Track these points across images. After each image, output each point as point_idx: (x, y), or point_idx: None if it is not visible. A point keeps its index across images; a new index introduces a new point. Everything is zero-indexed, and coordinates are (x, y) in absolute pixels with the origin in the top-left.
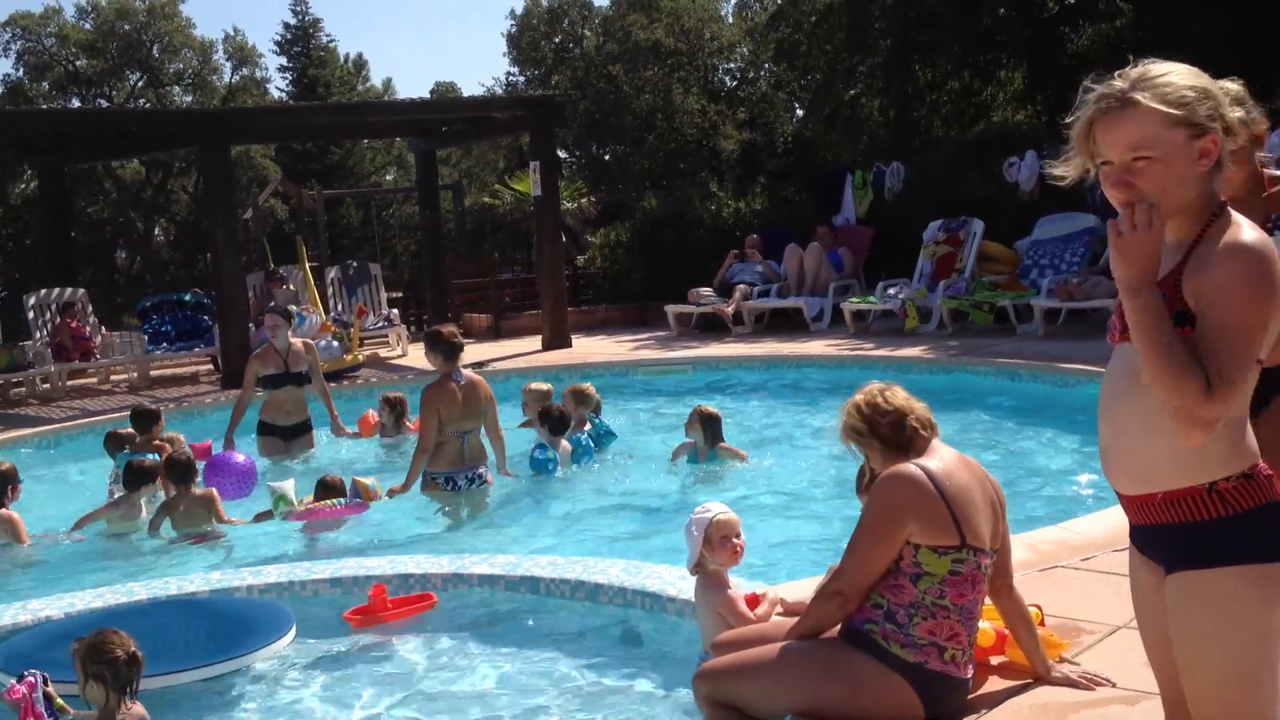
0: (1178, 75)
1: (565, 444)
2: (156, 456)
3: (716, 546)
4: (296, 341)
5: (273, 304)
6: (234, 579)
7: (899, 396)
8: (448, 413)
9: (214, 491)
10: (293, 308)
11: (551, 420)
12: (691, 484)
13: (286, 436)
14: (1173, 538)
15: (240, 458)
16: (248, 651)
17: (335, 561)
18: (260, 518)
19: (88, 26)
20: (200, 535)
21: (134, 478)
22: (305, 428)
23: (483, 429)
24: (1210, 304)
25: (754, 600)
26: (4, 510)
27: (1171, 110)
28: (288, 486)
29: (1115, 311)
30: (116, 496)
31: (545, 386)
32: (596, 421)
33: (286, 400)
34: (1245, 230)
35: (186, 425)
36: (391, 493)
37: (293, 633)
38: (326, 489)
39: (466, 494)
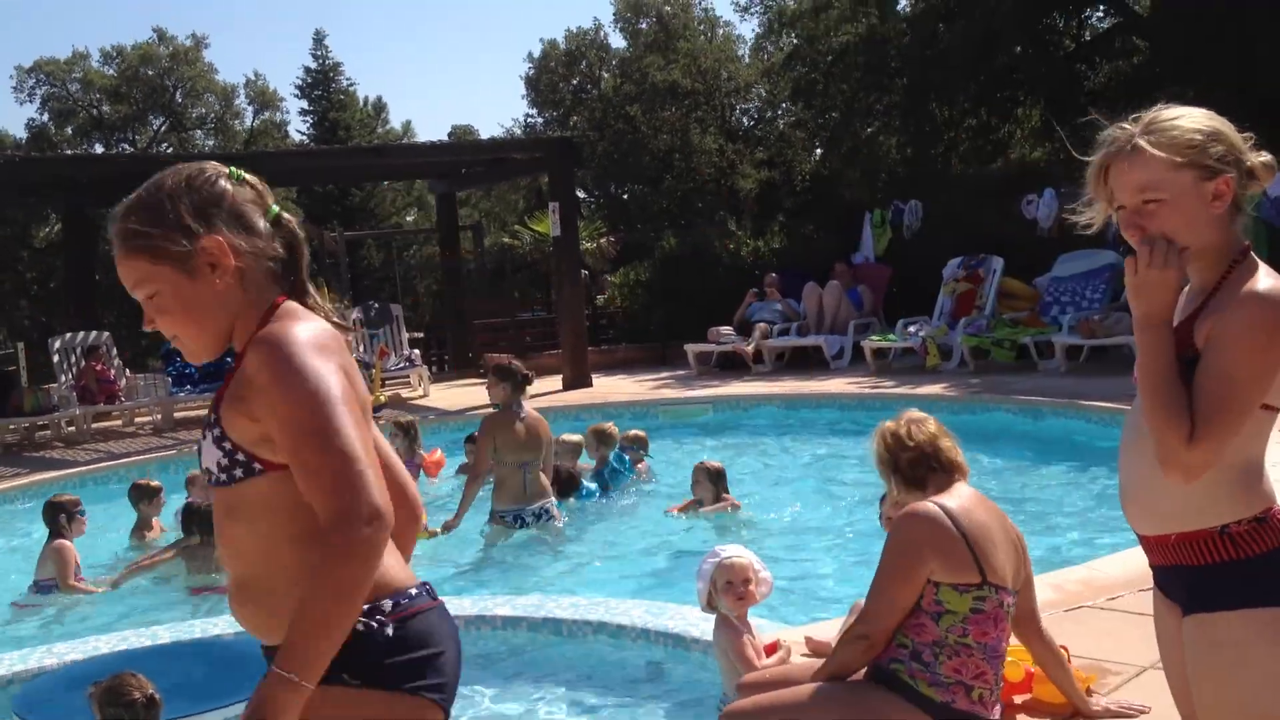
0: (1187, 119)
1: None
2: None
3: (721, 591)
4: None
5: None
6: None
7: (926, 431)
8: (504, 442)
9: None
10: None
11: (560, 482)
12: (711, 524)
13: None
14: (1187, 579)
15: None
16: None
17: None
18: None
19: (111, 72)
20: (211, 586)
21: (196, 521)
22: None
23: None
24: (1211, 348)
25: (771, 649)
26: (57, 541)
27: (1176, 154)
28: None
29: None
30: (177, 540)
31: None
32: (615, 454)
33: None
34: (1263, 278)
35: None
36: (446, 527)
37: None
38: None
39: (534, 529)
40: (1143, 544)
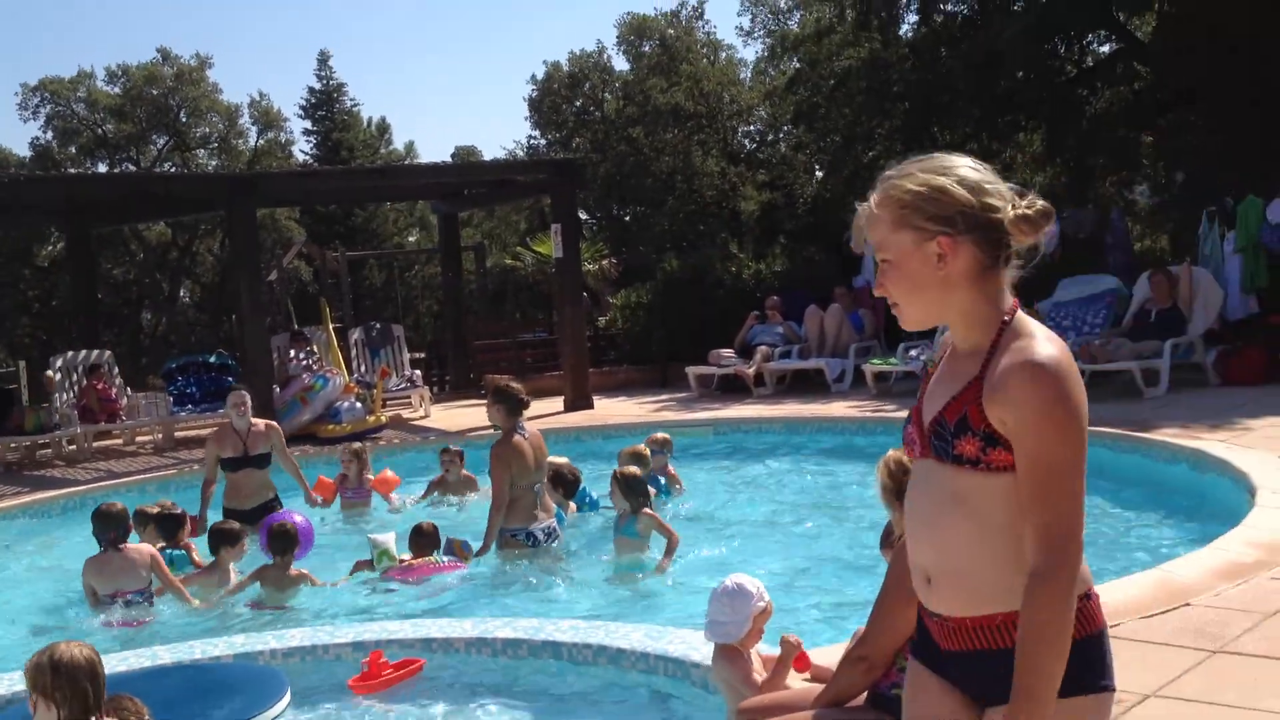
0: (910, 178)
1: (573, 505)
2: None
3: (750, 632)
4: (259, 422)
5: (236, 382)
6: (257, 643)
7: None
8: (519, 467)
9: (307, 572)
10: (305, 377)
11: (565, 484)
12: (711, 543)
13: (248, 522)
14: (996, 666)
15: (298, 518)
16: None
17: (358, 625)
18: (360, 566)
19: (116, 91)
20: (278, 606)
21: (220, 541)
22: (268, 509)
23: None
24: (1017, 437)
25: (769, 660)
26: (140, 544)
27: (889, 214)
28: (390, 541)
29: (912, 421)
30: (264, 565)
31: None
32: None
33: (246, 483)
34: (1036, 343)
35: None
36: (477, 554)
37: (286, 700)
38: (421, 536)
39: (544, 548)
40: (935, 629)
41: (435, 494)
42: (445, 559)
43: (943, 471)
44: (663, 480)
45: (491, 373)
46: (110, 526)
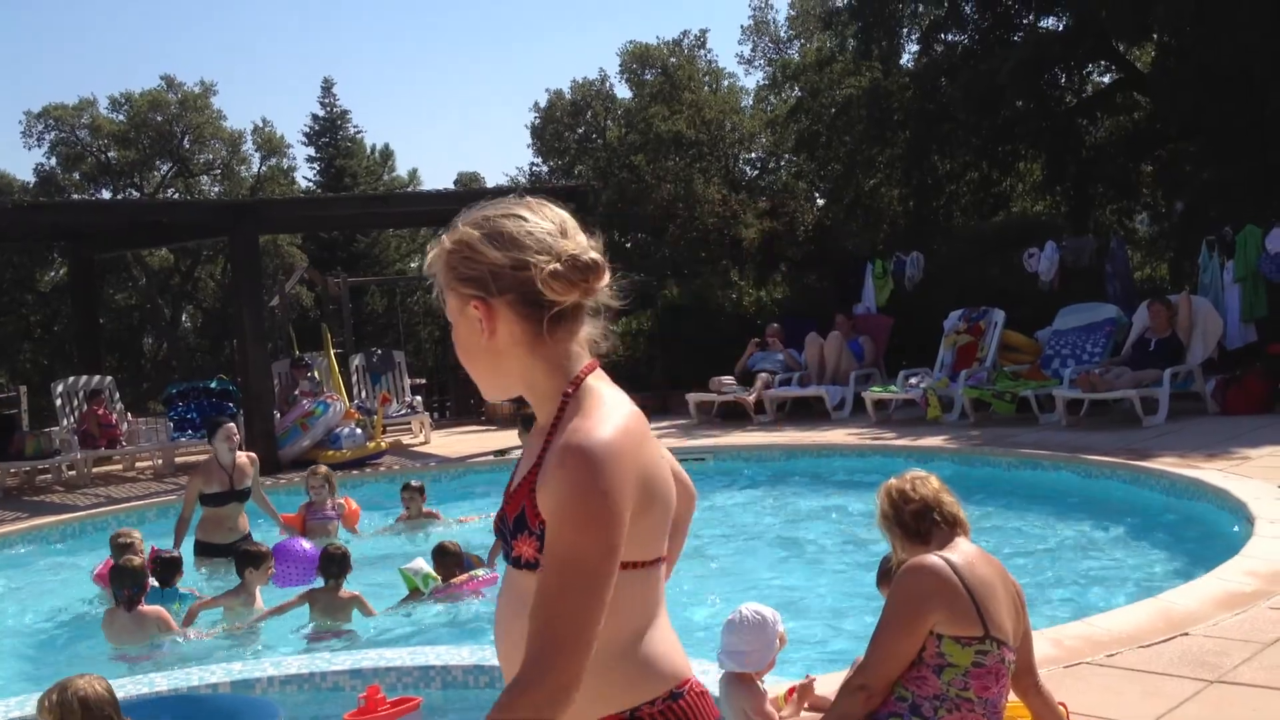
0: (453, 231)
1: None
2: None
3: (770, 661)
4: (241, 456)
5: (235, 409)
6: (255, 670)
7: (929, 486)
8: None
9: (360, 595)
10: (305, 403)
11: None
12: (709, 570)
13: (223, 556)
14: None
15: (306, 544)
16: None
17: (355, 653)
18: (411, 598)
19: (120, 118)
20: (336, 631)
21: (246, 563)
22: (245, 541)
23: None
24: (548, 528)
25: (788, 695)
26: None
27: (436, 270)
28: (423, 565)
29: (495, 528)
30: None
31: None
32: None
33: (228, 517)
34: (586, 423)
35: None
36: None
37: None
38: (444, 555)
39: None
40: None
41: (400, 525)
42: (482, 573)
43: (513, 572)
44: None
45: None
46: (124, 584)
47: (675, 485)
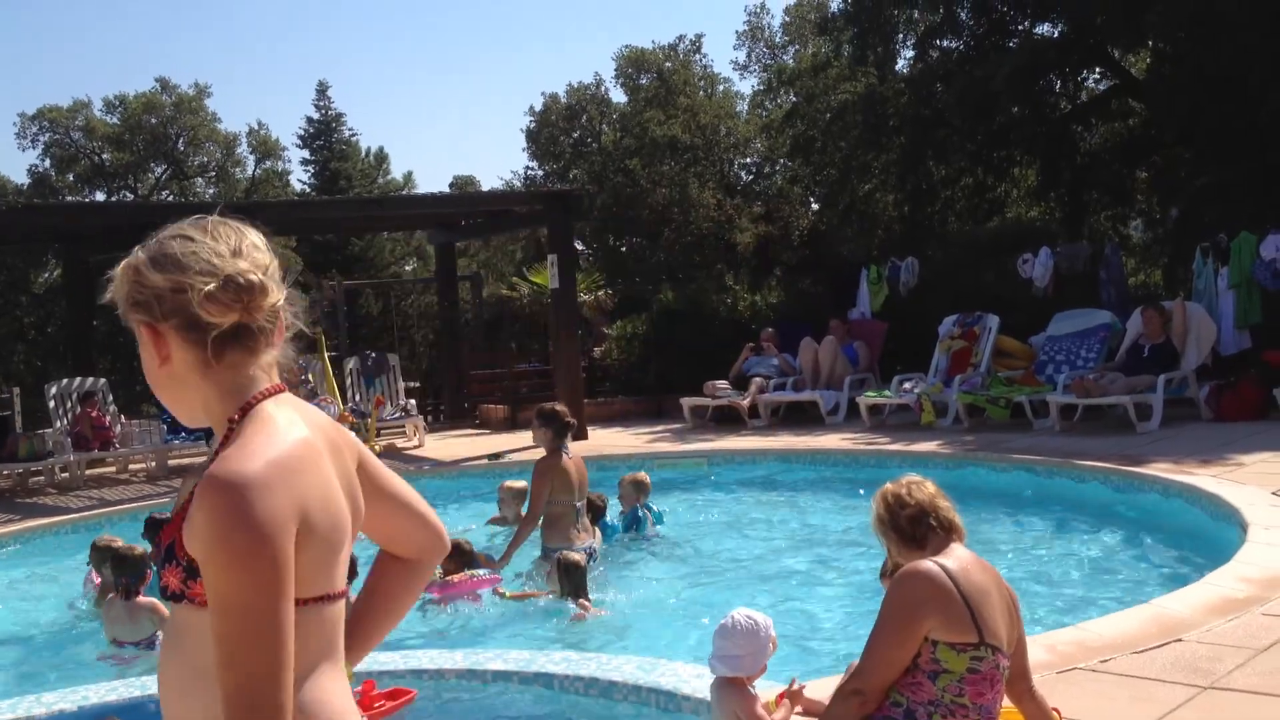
0: (131, 253)
1: (597, 531)
2: None
3: (762, 665)
4: None
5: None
6: None
7: (925, 491)
8: (560, 484)
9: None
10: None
11: (592, 510)
12: (703, 575)
13: None
14: None
15: None
16: None
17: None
18: None
19: (115, 121)
20: None
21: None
22: None
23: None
24: (202, 572)
25: (780, 698)
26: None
27: (110, 300)
28: None
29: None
30: None
31: (521, 484)
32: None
33: None
34: (235, 453)
35: None
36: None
37: None
38: (458, 553)
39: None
40: None
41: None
42: (483, 572)
43: (171, 605)
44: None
45: (486, 403)
46: (124, 571)
47: (413, 522)
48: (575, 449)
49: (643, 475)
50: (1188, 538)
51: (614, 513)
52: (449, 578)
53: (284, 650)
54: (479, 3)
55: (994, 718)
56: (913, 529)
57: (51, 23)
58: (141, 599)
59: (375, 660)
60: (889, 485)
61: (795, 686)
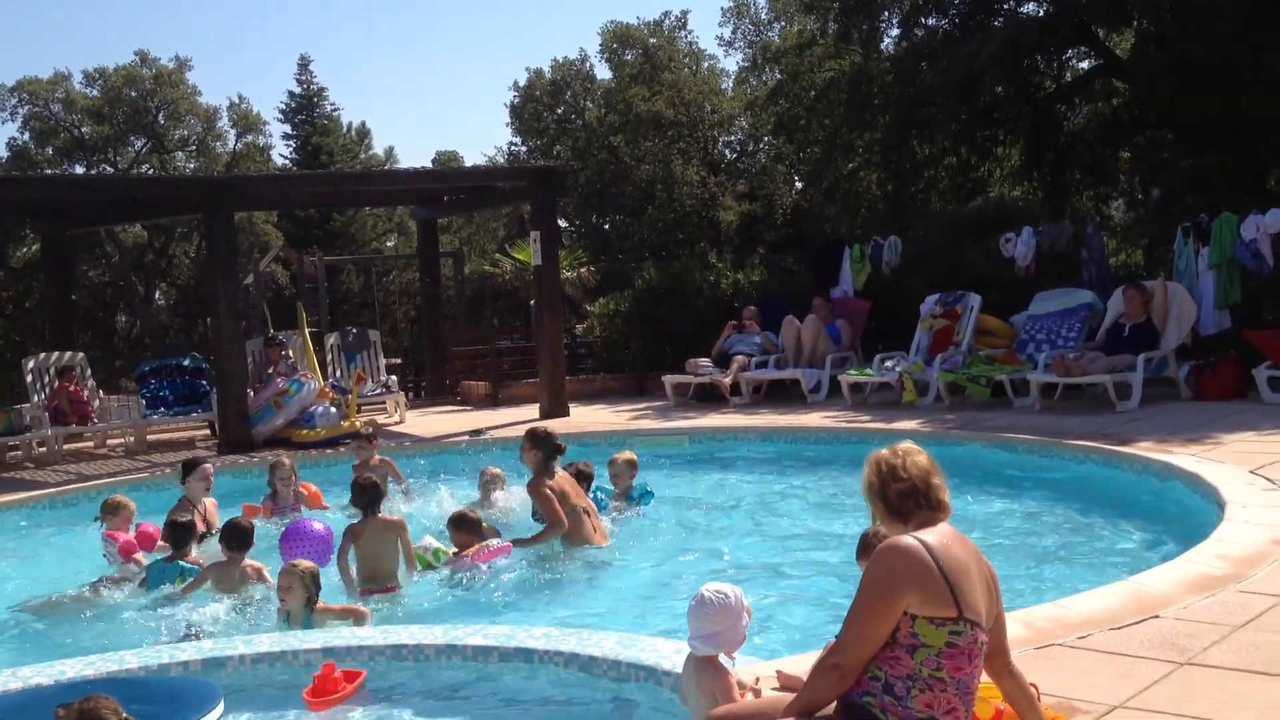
0: None
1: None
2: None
3: (738, 635)
4: (210, 502)
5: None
6: (226, 649)
7: (919, 466)
8: (564, 495)
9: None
10: (280, 381)
11: (581, 480)
12: (684, 552)
13: None
14: None
15: (318, 525)
16: None
17: (328, 631)
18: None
19: (94, 93)
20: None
21: (237, 538)
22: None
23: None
24: None
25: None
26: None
27: None
28: (431, 541)
29: None
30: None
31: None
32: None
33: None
34: None
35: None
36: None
37: (218, 712)
38: (466, 523)
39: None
40: None
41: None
42: (494, 542)
43: None
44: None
45: (468, 379)
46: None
47: None
48: (552, 427)
49: (631, 454)
50: (1166, 515)
51: (608, 498)
52: (464, 553)
53: None
54: None
55: (972, 692)
56: (901, 503)
57: None
58: (249, 562)
59: (355, 635)
60: (884, 452)
61: (756, 684)
